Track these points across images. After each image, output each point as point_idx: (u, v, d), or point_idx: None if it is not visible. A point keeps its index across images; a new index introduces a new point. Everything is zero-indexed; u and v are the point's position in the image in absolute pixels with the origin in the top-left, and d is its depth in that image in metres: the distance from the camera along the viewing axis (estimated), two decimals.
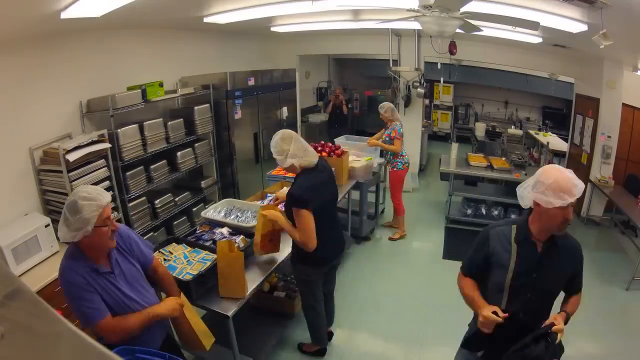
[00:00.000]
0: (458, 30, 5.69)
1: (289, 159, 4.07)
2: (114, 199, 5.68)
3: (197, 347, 3.40)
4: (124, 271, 3.00)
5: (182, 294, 3.36)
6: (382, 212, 9.06)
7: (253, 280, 4.27)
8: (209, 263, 4.16)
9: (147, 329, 2.98)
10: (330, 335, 5.46)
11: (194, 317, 3.39)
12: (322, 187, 4.26)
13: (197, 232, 5.01)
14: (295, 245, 4.36)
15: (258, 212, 4.44)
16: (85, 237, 2.71)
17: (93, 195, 2.75)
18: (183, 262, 4.22)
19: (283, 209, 4.48)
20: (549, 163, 9.21)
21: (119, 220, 5.72)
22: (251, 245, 4.46)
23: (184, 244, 4.52)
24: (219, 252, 3.92)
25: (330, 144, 7.41)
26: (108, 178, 5.64)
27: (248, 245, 4.51)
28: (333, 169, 5.87)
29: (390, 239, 8.26)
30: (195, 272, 4.03)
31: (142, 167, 6.28)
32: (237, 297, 4.01)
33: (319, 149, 7.10)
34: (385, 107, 8.00)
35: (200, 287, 3.98)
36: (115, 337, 2.80)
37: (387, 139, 7.95)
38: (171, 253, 4.31)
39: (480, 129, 13.78)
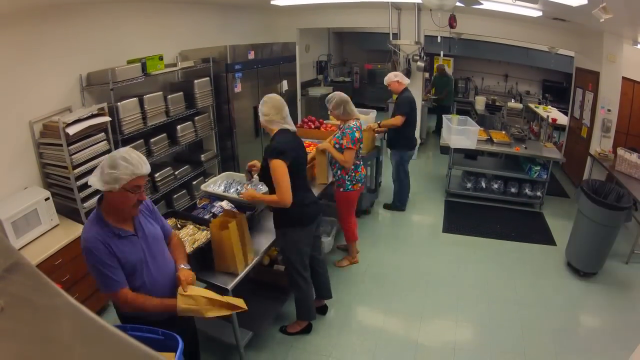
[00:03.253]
0: (458, 4, 5.67)
1: (268, 118, 4.31)
2: None
3: None
4: (147, 234, 3.19)
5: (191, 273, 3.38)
6: (380, 184, 9.01)
7: (253, 254, 4.34)
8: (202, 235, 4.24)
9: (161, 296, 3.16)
10: (325, 308, 5.50)
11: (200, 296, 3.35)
12: (297, 147, 4.45)
13: (197, 205, 5.05)
14: (278, 213, 4.50)
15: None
16: (110, 194, 2.92)
17: (134, 161, 2.91)
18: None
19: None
20: (549, 137, 9.25)
21: None
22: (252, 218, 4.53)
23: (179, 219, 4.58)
24: (211, 227, 3.99)
25: (320, 120, 7.75)
26: (108, 151, 5.61)
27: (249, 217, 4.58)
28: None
29: (338, 264, 6.58)
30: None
31: (142, 140, 6.29)
32: (232, 272, 4.11)
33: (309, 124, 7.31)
34: (333, 100, 5.88)
35: (199, 261, 4.02)
36: (128, 309, 3.05)
37: (336, 145, 5.89)
38: None
39: (480, 103, 13.74)
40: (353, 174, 6.03)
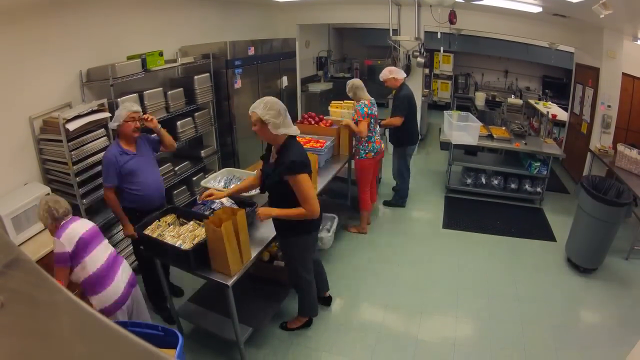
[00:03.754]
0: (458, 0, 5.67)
1: (281, 128, 4.01)
2: None
3: None
4: (144, 154, 5.00)
5: None
6: (380, 180, 9.02)
7: (253, 250, 4.32)
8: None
9: (146, 198, 4.98)
10: (329, 300, 5.56)
11: None
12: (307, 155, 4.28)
13: (197, 201, 5.08)
14: (283, 222, 4.36)
15: None
16: (120, 127, 4.73)
17: (127, 105, 4.78)
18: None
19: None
20: (548, 133, 9.24)
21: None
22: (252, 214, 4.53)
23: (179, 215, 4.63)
24: (206, 225, 3.93)
25: (320, 115, 7.67)
26: (108, 147, 5.65)
27: (249, 213, 4.57)
28: (332, 138, 6.50)
29: (348, 229, 7.40)
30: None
31: None
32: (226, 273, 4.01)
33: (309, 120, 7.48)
34: (348, 86, 7.02)
35: (200, 256, 4.02)
36: (107, 201, 4.88)
37: (354, 121, 6.84)
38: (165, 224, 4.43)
39: (480, 99, 13.74)
40: (366, 145, 6.87)
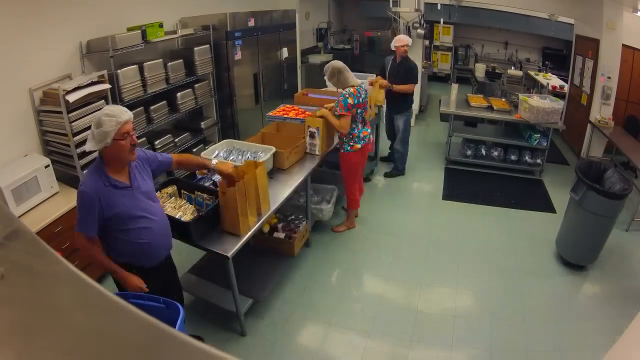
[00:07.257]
0: None
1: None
2: None
3: None
4: (141, 186, 3.49)
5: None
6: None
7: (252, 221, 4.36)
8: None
9: (152, 248, 3.57)
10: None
11: None
12: None
13: (197, 173, 5.09)
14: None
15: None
16: (107, 148, 3.20)
17: (115, 112, 3.17)
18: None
19: None
20: None
21: None
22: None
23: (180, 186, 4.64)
24: (220, 185, 4.11)
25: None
26: None
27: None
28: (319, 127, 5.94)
29: (335, 229, 6.60)
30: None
31: (142, 107, 6.29)
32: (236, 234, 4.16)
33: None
34: (327, 70, 6.01)
35: (201, 228, 4.05)
36: (81, 252, 3.41)
37: (335, 113, 5.90)
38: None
39: (480, 70, 13.69)
40: (350, 136, 6.02)
